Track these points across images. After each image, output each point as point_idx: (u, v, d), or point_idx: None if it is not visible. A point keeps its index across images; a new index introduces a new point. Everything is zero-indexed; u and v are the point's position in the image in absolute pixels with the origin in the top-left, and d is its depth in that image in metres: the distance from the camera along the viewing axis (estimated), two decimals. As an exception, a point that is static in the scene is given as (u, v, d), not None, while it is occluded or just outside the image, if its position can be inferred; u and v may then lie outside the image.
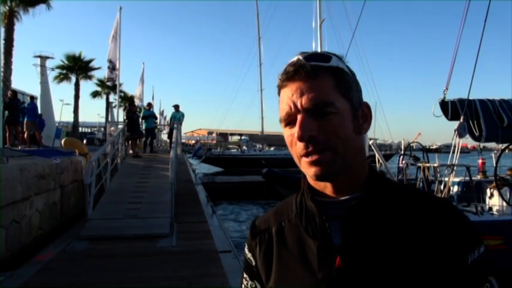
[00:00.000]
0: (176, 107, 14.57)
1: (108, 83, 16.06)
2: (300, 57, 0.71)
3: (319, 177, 0.70)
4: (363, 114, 0.74)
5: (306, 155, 0.68)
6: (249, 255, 0.84)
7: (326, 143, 0.68)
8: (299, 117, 0.68)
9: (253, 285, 0.83)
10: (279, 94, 0.75)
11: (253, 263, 0.83)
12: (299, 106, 0.68)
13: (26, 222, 5.54)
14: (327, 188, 0.73)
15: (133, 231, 5.97)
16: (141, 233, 5.90)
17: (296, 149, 0.70)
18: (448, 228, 0.67)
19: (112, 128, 15.65)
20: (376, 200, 0.71)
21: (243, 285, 0.86)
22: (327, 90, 0.69)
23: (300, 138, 0.67)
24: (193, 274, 4.28)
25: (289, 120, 0.71)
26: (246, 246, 0.86)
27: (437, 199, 0.74)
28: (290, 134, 0.71)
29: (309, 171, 0.70)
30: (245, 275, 0.86)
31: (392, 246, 0.67)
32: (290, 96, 0.70)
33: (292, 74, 0.70)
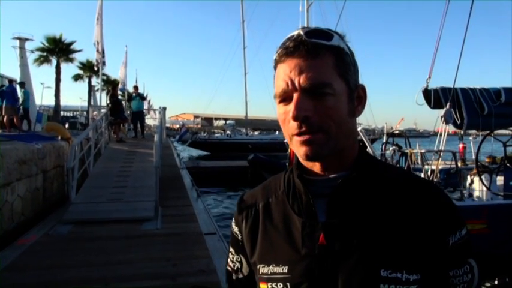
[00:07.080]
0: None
1: (97, 67, 15.77)
2: (301, 33, 0.69)
3: (308, 157, 0.70)
4: (358, 97, 0.74)
5: (298, 134, 0.68)
6: (235, 229, 0.85)
7: (319, 124, 0.67)
8: (295, 96, 0.67)
9: (239, 259, 0.84)
10: (275, 68, 0.73)
11: (239, 237, 0.83)
12: (296, 84, 0.67)
13: (7, 209, 5.46)
14: (315, 166, 0.74)
15: (117, 214, 5.95)
16: (126, 217, 5.89)
17: (289, 127, 0.70)
18: (431, 210, 0.69)
19: (95, 113, 15.39)
20: (362, 179, 0.72)
21: (228, 259, 0.88)
22: (326, 70, 0.68)
23: (295, 118, 0.66)
24: (178, 256, 4.32)
25: (284, 97, 0.70)
26: (233, 221, 0.86)
27: (422, 180, 0.75)
28: (284, 112, 0.70)
29: (299, 150, 0.70)
30: (231, 249, 0.87)
31: (375, 224, 0.68)
32: (288, 72, 0.68)
33: (291, 49, 0.68)
